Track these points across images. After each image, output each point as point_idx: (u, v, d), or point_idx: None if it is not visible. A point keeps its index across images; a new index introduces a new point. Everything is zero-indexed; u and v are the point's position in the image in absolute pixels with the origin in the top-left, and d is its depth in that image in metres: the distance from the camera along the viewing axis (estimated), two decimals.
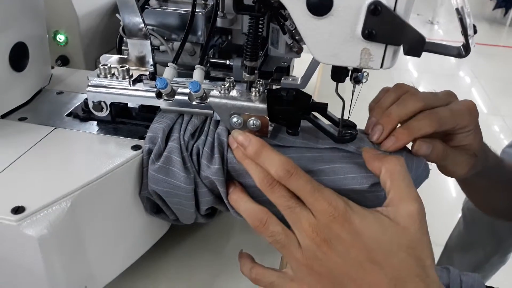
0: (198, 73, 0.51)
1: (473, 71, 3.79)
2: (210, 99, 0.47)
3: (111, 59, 0.56)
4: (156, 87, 0.49)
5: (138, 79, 0.53)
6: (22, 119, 0.55)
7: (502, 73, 3.78)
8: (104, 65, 0.52)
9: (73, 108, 0.57)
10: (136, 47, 0.53)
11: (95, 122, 0.54)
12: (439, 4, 4.87)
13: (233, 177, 0.47)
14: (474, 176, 0.55)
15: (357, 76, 0.45)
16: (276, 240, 0.42)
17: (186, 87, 0.50)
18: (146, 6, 0.58)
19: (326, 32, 0.39)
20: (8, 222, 0.39)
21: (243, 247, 0.50)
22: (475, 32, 0.37)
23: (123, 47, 0.64)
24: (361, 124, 0.49)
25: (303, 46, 0.56)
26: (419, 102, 0.47)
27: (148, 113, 0.53)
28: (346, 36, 0.38)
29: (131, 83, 0.51)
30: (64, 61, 0.81)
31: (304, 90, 0.54)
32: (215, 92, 0.47)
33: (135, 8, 0.50)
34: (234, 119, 0.47)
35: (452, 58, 0.40)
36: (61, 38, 0.79)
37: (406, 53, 0.37)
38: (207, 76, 0.63)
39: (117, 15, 0.59)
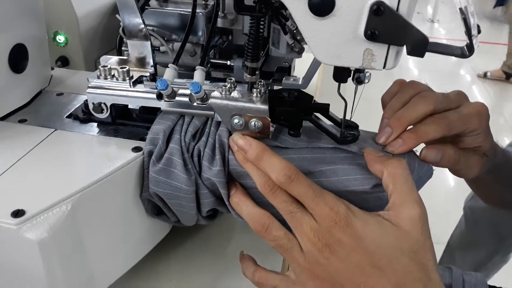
0: (199, 74, 0.50)
1: (473, 69, 3.79)
2: (211, 100, 0.47)
3: (111, 60, 0.55)
4: (156, 88, 0.48)
5: (139, 80, 0.52)
6: (22, 121, 0.54)
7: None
8: (104, 66, 0.52)
9: (73, 109, 0.56)
10: (136, 48, 0.53)
11: (96, 124, 0.54)
12: (440, 2, 4.87)
13: (234, 178, 0.47)
14: (482, 173, 0.55)
15: (359, 76, 0.45)
16: (279, 244, 0.41)
17: (187, 88, 0.49)
18: (146, 7, 0.58)
19: (328, 32, 0.38)
20: (8, 226, 0.39)
21: (244, 248, 0.50)
22: (479, 32, 0.36)
23: (123, 48, 0.64)
24: (363, 124, 0.49)
25: (304, 46, 0.56)
26: (429, 105, 0.46)
27: (148, 114, 0.52)
28: (348, 37, 0.38)
29: (131, 84, 0.51)
30: (64, 62, 0.80)
31: (305, 90, 0.54)
32: (216, 93, 0.47)
33: (135, 9, 0.50)
34: (236, 120, 0.46)
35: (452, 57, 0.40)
36: (61, 39, 0.78)
37: (409, 53, 0.37)
38: (207, 76, 0.62)
39: (117, 15, 0.59)
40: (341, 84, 0.46)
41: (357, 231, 0.38)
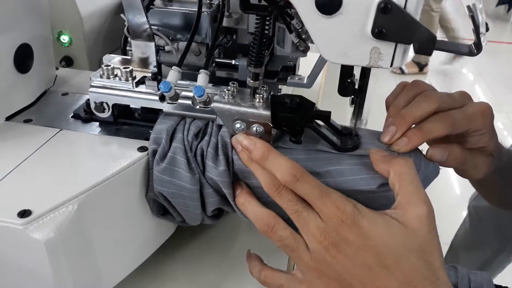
0: (202, 78, 0.50)
1: (476, 68, 3.78)
2: (214, 104, 0.47)
3: (114, 59, 0.55)
4: (159, 89, 0.48)
5: (141, 81, 0.52)
6: (27, 121, 0.54)
7: (506, 70, 3.76)
8: (107, 65, 0.51)
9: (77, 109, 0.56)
10: (140, 48, 0.53)
11: (98, 123, 0.54)
12: (443, 1, 4.85)
13: (239, 178, 0.47)
14: (488, 174, 0.55)
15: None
16: (284, 244, 0.41)
17: (190, 91, 0.49)
18: (151, 6, 0.58)
19: (335, 31, 0.38)
20: (14, 226, 0.39)
21: (249, 247, 0.49)
22: (487, 29, 0.36)
23: (127, 48, 0.64)
24: (370, 123, 0.49)
25: (310, 45, 0.55)
26: (434, 103, 0.46)
27: (151, 114, 0.52)
28: (355, 35, 0.38)
29: (134, 85, 0.51)
30: (68, 62, 0.80)
31: (309, 89, 0.54)
32: (219, 97, 0.47)
33: (141, 10, 0.49)
34: (237, 125, 0.46)
35: (455, 55, 0.40)
36: (65, 38, 0.78)
37: (417, 51, 0.37)
38: (212, 75, 0.62)
39: (121, 15, 0.59)
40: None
41: (364, 229, 0.38)
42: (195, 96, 0.48)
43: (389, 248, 0.38)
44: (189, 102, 0.50)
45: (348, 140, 0.47)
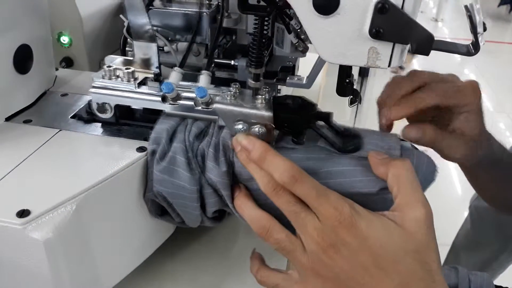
0: (204, 79, 0.50)
1: (478, 68, 3.77)
2: (215, 106, 0.47)
3: (116, 60, 0.55)
4: (161, 90, 0.49)
5: (143, 82, 0.52)
6: (26, 121, 0.55)
7: (507, 70, 3.75)
8: (109, 66, 0.52)
9: (77, 110, 0.57)
10: (141, 49, 0.53)
11: (100, 124, 0.54)
12: (444, 1, 4.85)
13: (239, 180, 0.47)
14: (480, 168, 0.55)
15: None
16: (281, 247, 0.41)
17: (192, 92, 0.49)
18: (150, 7, 0.58)
19: (332, 31, 0.38)
20: (13, 226, 0.39)
21: (249, 249, 0.49)
22: (484, 29, 0.36)
23: (127, 48, 0.64)
24: (368, 125, 0.49)
25: (309, 45, 0.56)
26: (421, 77, 0.48)
27: (152, 114, 0.52)
28: (353, 35, 0.38)
29: (136, 86, 0.51)
30: (68, 62, 0.81)
31: (309, 89, 0.54)
32: (220, 99, 0.47)
33: (143, 11, 0.50)
34: (239, 126, 0.46)
35: (457, 55, 0.40)
36: (65, 39, 0.79)
37: (415, 51, 0.37)
38: (212, 76, 0.62)
39: (121, 16, 0.59)
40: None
41: (362, 231, 0.38)
42: (197, 97, 0.48)
43: (385, 249, 0.38)
44: (191, 103, 0.50)
45: (349, 141, 0.47)
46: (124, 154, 0.48)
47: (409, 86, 0.48)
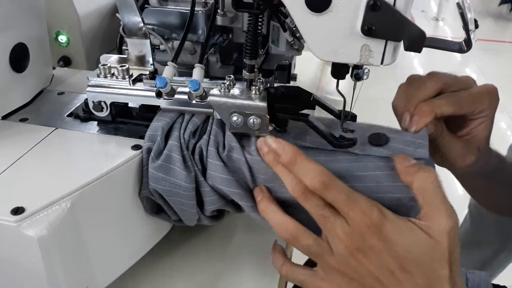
0: (197, 72, 0.50)
1: (479, 67, 3.76)
2: (210, 98, 0.47)
3: (111, 59, 0.56)
4: (155, 86, 0.49)
5: (138, 79, 0.52)
6: (23, 120, 0.55)
7: (508, 69, 3.74)
8: (104, 65, 0.52)
9: (74, 108, 0.57)
10: (136, 46, 0.53)
11: (96, 122, 0.54)
12: (445, 0, 4.84)
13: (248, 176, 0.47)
14: (475, 176, 0.54)
15: (358, 73, 0.44)
16: (309, 251, 0.42)
17: (186, 86, 0.49)
18: (145, 6, 0.58)
19: (325, 28, 0.38)
20: (7, 223, 0.39)
21: (246, 247, 0.50)
22: (476, 26, 0.36)
23: (123, 47, 0.64)
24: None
25: (304, 43, 0.56)
26: (438, 82, 0.47)
27: (148, 112, 0.52)
28: (345, 33, 0.38)
29: (131, 82, 0.51)
30: (66, 61, 0.81)
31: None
32: (215, 91, 0.47)
33: (134, 8, 0.50)
34: (234, 118, 0.46)
35: (457, 55, 0.40)
36: (62, 39, 0.79)
37: (407, 48, 0.37)
38: (206, 74, 0.62)
39: (117, 14, 0.59)
40: (341, 81, 0.46)
41: (389, 235, 0.38)
42: (191, 91, 0.48)
43: (412, 254, 0.38)
44: (186, 97, 0.50)
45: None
46: (120, 152, 0.48)
47: (428, 91, 0.47)
